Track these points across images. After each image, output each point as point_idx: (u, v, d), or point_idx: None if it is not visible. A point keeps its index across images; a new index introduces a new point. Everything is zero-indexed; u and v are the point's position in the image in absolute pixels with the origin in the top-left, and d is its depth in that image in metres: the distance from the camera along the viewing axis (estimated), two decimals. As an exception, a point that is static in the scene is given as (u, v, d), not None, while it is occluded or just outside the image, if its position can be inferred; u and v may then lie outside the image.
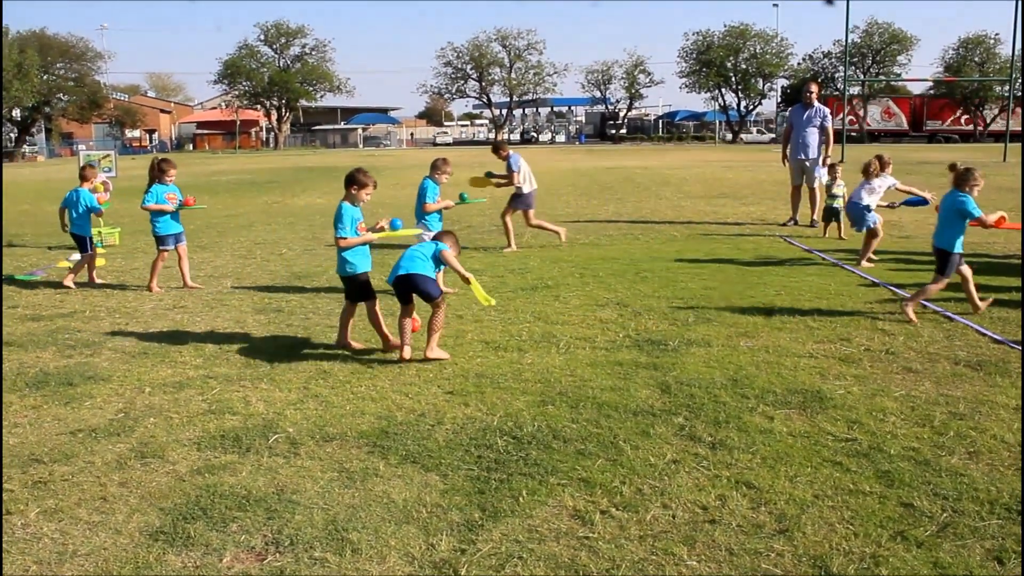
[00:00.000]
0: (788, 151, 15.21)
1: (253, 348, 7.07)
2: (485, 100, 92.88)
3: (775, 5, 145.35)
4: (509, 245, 12.27)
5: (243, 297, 9.13)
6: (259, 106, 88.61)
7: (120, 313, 8.52)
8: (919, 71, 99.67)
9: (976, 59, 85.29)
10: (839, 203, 12.61)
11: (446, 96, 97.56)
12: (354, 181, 7.11)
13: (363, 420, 5.34)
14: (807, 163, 14.79)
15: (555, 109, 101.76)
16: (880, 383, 5.95)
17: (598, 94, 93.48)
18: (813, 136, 14.79)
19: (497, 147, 12.55)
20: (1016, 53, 44.58)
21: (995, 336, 7.14)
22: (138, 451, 4.91)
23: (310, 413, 5.48)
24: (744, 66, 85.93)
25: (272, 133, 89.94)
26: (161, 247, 9.73)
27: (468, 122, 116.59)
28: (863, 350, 6.78)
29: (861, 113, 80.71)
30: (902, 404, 5.52)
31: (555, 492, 4.28)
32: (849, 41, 50.19)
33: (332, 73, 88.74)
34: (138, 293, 9.52)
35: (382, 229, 7.32)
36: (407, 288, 6.68)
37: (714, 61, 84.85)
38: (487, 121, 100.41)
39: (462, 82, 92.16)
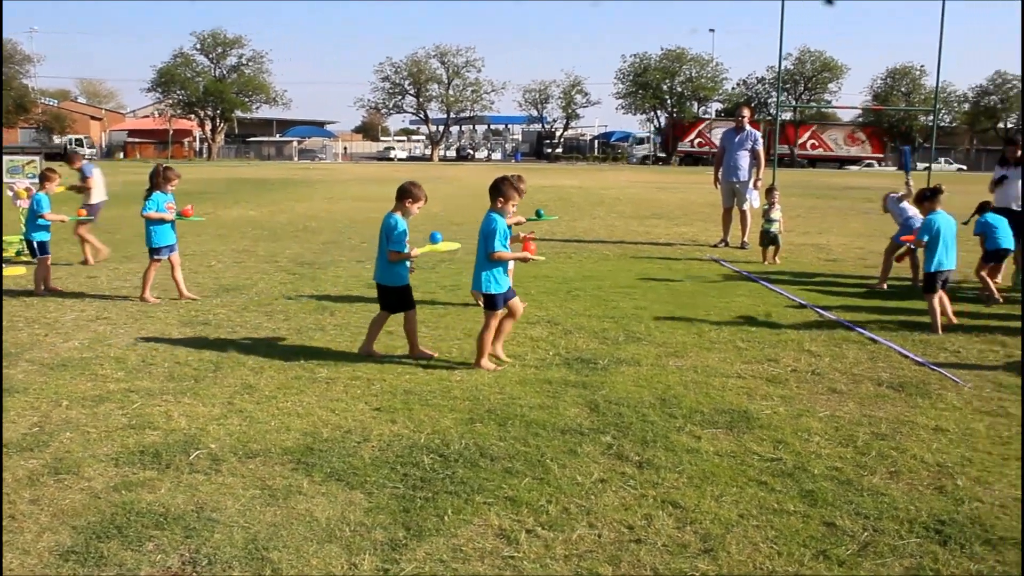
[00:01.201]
0: (720, 173, 15.40)
1: (177, 361, 6.92)
2: (422, 116, 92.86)
3: (711, 31, 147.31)
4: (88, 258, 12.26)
5: (169, 309, 8.95)
6: (193, 116, 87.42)
7: (40, 323, 8.29)
8: (849, 99, 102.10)
9: (903, 89, 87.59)
10: (776, 227, 12.76)
11: (383, 111, 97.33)
12: (408, 194, 7.11)
13: (288, 436, 5.25)
14: (738, 185, 14.99)
15: (492, 127, 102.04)
16: (806, 403, 6.03)
17: (535, 113, 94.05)
18: (744, 159, 14.99)
19: (70, 158, 13.19)
20: (939, 84, 45.83)
21: (916, 358, 7.29)
22: (52, 467, 4.75)
23: (233, 429, 5.37)
24: (680, 89, 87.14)
25: (206, 143, 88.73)
26: (155, 257, 9.48)
27: (405, 137, 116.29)
28: (790, 371, 6.86)
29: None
30: (826, 424, 5.59)
31: (481, 511, 4.24)
32: (782, 68, 51.14)
33: (269, 85, 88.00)
34: (59, 303, 9.26)
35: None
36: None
37: (650, 83, 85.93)
38: (424, 137, 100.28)
39: (399, 97, 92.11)
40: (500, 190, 6.84)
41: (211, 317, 8.58)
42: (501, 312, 6.82)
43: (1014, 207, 11.12)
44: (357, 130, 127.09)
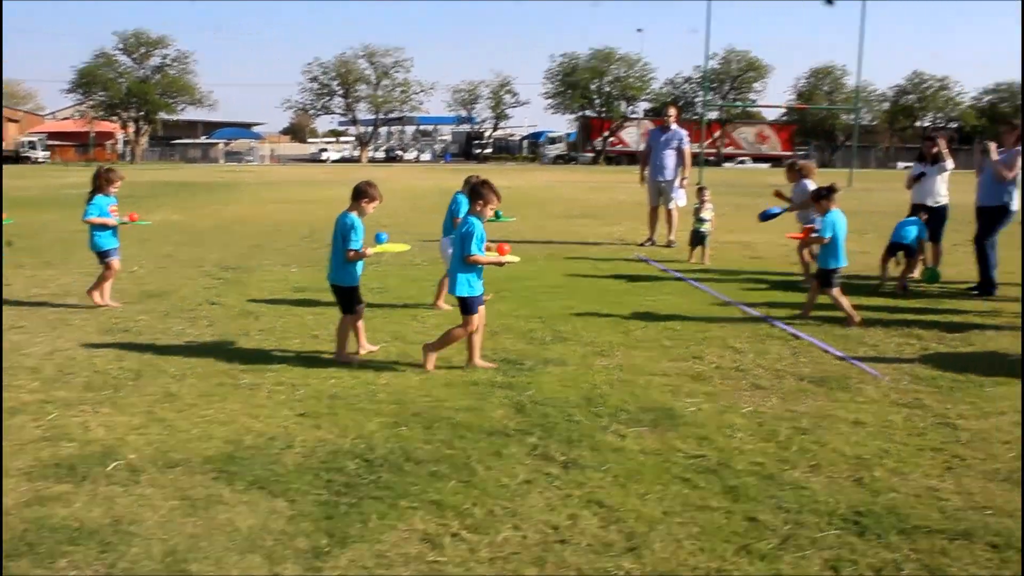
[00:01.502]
0: (646, 172, 15.53)
1: (96, 370, 6.75)
2: (351, 117, 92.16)
3: (639, 31, 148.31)
4: None
5: (88, 317, 8.73)
6: (116, 117, 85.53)
7: (-48, 334, 8.03)
8: (774, 98, 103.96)
9: (825, 88, 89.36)
10: (707, 227, 12.87)
11: (311, 112, 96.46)
12: (364, 194, 7.11)
13: (210, 445, 5.16)
14: (664, 184, 15.14)
15: (421, 127, 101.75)
16: (729, 400, 6.10)
17: (464, 113, 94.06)
18: (671, 158, 15.14)
19: None
20: (860, 84, 46.81)
21: (837, 353, 7.43)
22: (-38, 483, 4.61)
23: (154, 438, 5.26)
24: (608, 89, 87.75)
25: (129, 146, 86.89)
26: (107, 260, 9.24)
27: (334, 139, 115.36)
28: (714, 368, 6.94)
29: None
30: (750, 420, 5.67)
31: (406, 516, 4.21)
32: (708, 67, 51.85)
33: (194, 86, 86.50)
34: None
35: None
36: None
37: (579, 83, 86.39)
38: (353, 138, 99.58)
39: (327, 98, 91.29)
40: (480, 193, 6.84)
41: (132, 324, 8.40)
42: (478, 316, 6.79)
43: (930, 203, 11.40)
44: (285, 132, 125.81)
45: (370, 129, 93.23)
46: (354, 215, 7.10)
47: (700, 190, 13.29)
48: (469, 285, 6.72)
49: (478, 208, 6.81)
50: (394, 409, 5.81)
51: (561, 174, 53.60)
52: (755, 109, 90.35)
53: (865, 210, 24.22)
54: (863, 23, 56.25)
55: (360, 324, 7.24)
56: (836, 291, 8.65)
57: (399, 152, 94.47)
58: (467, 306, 6.74)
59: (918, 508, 4.35)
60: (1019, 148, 10.56)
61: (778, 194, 11.62)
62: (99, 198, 9.23)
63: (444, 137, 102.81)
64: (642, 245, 15.14)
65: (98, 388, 6.28)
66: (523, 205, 24.36)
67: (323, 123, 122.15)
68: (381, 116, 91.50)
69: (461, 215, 8.80)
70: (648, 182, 15.48)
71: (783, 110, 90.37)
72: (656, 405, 5.93)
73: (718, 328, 8.37)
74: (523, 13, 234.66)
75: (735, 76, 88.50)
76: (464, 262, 6.69)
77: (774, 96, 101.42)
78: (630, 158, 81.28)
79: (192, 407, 5.85)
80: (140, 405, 5.88)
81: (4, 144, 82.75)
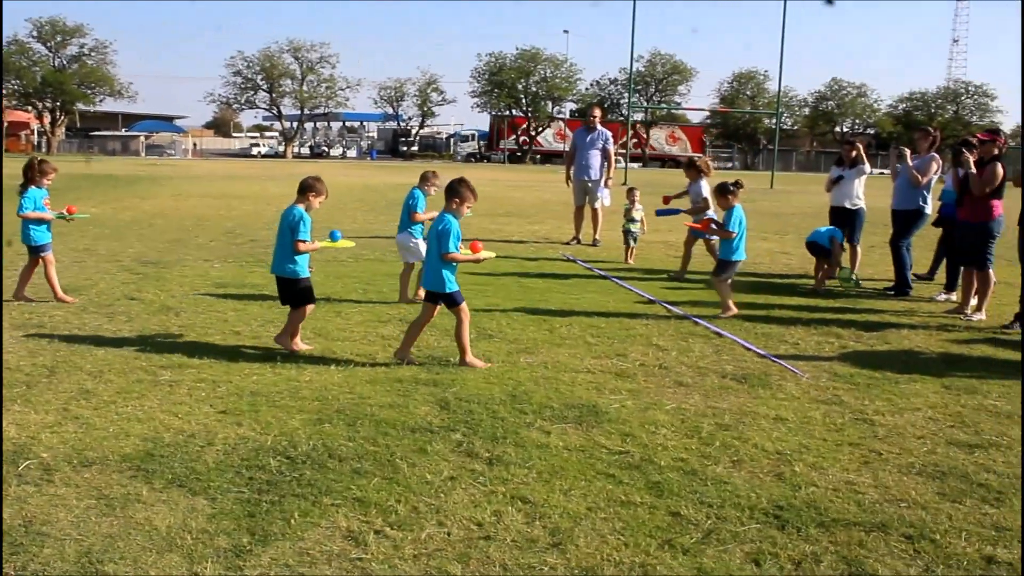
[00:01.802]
0: (572, 172, 15.60)
1: (8, 367, 6.51)
2: (275, 112, 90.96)
3: (565, 32, 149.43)
4: None
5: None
6: (30, 107, 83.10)
7: None
8: (698, 101, 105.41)
9: (748, 93, 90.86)
10: (636, 227, 12.96)
11: (235, 106, 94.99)
12: (311, 188, 7.13)
13: (127, 443, 5.03)
14: (590, 184, 15.22)
15: (347, 124, 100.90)
16: (653, 397, 6.16)
17: (391, 110, 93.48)
18: (596, 158, 15.23)
19: None
20: (781, 89, 47.81)
21: (758, 350, 7.55)
22: None
23: (68, 436, 5.11)
24: (534, 89, 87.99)
25: (45, 137, 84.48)
26: (42, 254, 8.96)
27: (258, 134, 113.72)
28: (638, 365, 7.00)
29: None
30: (673, 417, 5.72)
31: (328, 513, 4.16)
32: (634, 69, 52.31)
33: (113, 77, 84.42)
34: None
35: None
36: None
37: (505, 83, 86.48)
38: (277, 133, 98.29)
39: (252, 93, 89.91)
40: (457, 191, 6.85)
41: (47, 320, 8.16)
42: (465, 304, 6.90)
43: (847, 205, 11.65)
44: (208, 126, 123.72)
45: (295, 124, 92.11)
46: (301, 208, 7.11)
47: (630, 190, 13.38)
48: (452, 280, 6.81)
49: (454, 205, 6.84)
50: (317, 406, 5.74)
51: (484, 172, 53.53)
52: (679, 112, 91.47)
53: (786, 212, 24.73)
54: (783, 31, 57.43)
55: (297, 321, 7.23)
56: (726, 282, 8.87)
57: (325, 148, 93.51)
58: (454, 299, 6.82)
59: (836, 501, 4.44)
60: (933, 154, 10.86)
61: (666, 200, 12.02)
62: (32, 191, 8.96)
63: (370, 134, 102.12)
64: (567, 244, 15.21)
65: (10, 385, 6.07)
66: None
67: (248, 117, 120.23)
68: (306, 112, 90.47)
69: (419, 210, 8.90)
70: (573, 182, 15.55)
71: (707, 113, 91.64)
72: (580, 402, 5.95)
73: (642, 326, 8.44)
74: (450, 11, 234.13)
75: (660, 79, 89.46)
76: (442, 259, 6.73)
77: (696, 100, 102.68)
78: (545, 157, 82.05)
79: (109, 404, 5.70)
80: (54, 403, 5.71)
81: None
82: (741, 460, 4.99)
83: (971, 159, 9.40)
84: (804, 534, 4.06)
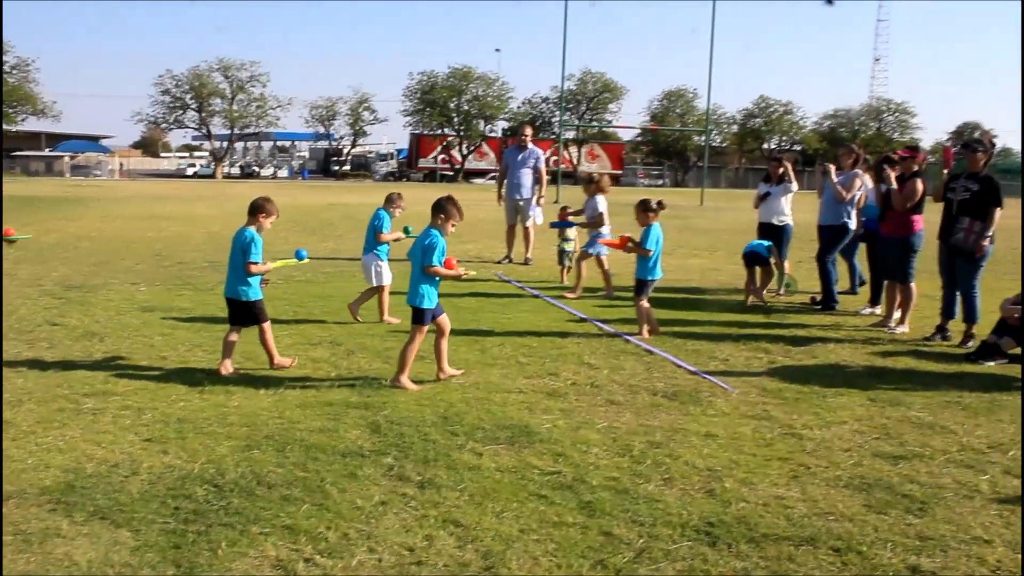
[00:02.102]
0: (504, 191, 15.63)
1: (-79, 398, 6.32)
2: (205, 131, 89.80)
3: (497, 50, 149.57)
4: None
5: (-86, 340, 8.20)
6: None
7: None
8: (628, 119, 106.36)
9: (678, 110, 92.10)
10: (570, 246, 12.96)
11: (163, 126, 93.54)
12: (262, 209, 7.19)
13: (47, 474, 4.88)
14: (522, 203, 15.26)
15: (278, 143, 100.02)
16: (585, 416, 6.17)
17: (322, 129, 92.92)
18: (527, 177, 15.27)
19: None
20: (710, 107, 48.58)
21: (689, 367, 7.62)
22: None
23: (-16, 469, 4.95)
24: (467, 107, 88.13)
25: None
26: None
27: (187, 153, 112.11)
28: (570, 384, 7.01)
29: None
30: (604, 435, 5.73)
31: (257, 542, 4.08)
32: (565, 88, 52.74)
33: (36, 95, 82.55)
34: None
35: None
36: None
37: (438, 101, 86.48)
38: (207, 153, 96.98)
39: (181, 112, 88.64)
40: (443, 208, 6.92)
41: (-37, 348, 7.92)
42: (427, 328, 6.90)
43: (775, 222, 11.83)
44: (136, 145, 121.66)
45: (225, 144, 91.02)
46: (252, 229, 7.15)
47: (563, 209, 13.38)
48: (428, 297, 6.84)
49: (439, 222, 6.91)
50: (245, 432, 5.64)
51: (420, 191, 53.44)
52: (611, 130, 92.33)
53: (716, 228, 25.04)
54: (712, 48, 58.43)
55: (235, 339, 7.22)
56: (645, 302, 8.92)
57: (255, 168, 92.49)
58: (420, 317, 6.85)
59: (766, 516, 4.48)
60: (857, 171, 11.10)
61: (563, 211, 12.22)
62: None
63: (302, 153, 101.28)
64: (499, 263, 15.22)
65: (-77, 416, 5.88)
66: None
67: (176, 137, 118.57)
68: (237, 131, 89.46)
69: (385, 230, 9.07)
70: (505, 200, 15.58)
71: (637, 131, 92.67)
72: (512, 422, 5.94)
73: (574, 344, 8.46)
74: (382, 29, 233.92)
75: (591, 97, 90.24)
76: (424, 273, 6.80)
77: (627, 118, 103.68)
78: (467, 175, 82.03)
79: (28, 435, 5.53)
80: (-30, 434, 5.53)
81: None
82: (672, 478, 5.01)
83: (892, 175, 9.63)
84: (735, 550, 4.09)
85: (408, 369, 6.81)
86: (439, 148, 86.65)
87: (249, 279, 7.12)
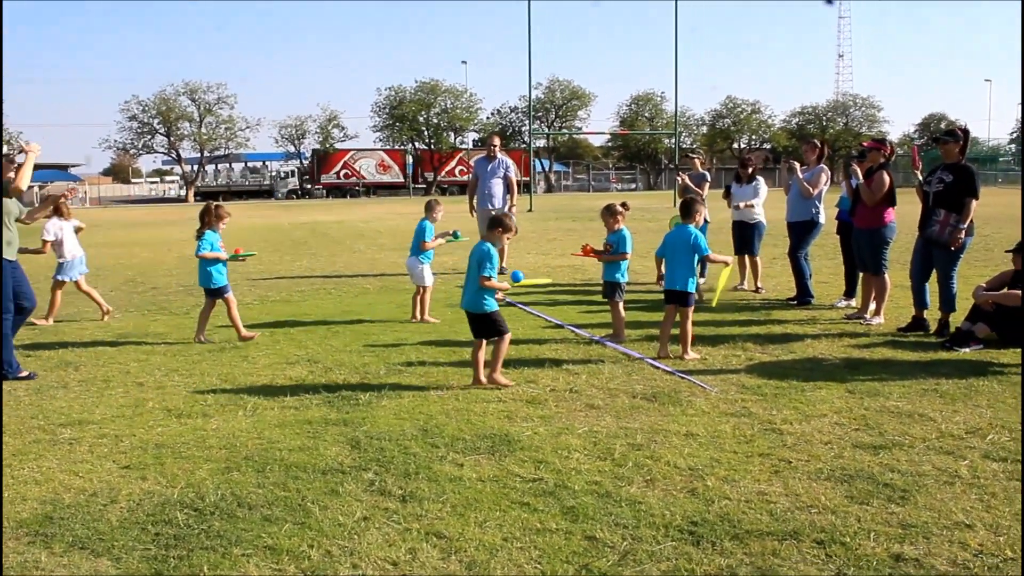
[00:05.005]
0: (475, 201, 15.62)
1: None
2: (174, 156, 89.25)
3: (464, 62, 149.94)
4: None
5: None
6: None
7: None
8: (598, 125, 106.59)
9: (647, 114, 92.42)
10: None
11: (132, 152, 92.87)
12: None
13: (24, 507, 4.82)
14: (494, 212, 15.23)
15: (249, 164, 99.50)
16: (564, 421, 6.16)
17: (292, 149, 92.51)
18: (498, 187, 15.26)
19: None
20: (678, 109, 48.80)
21: (667, 368, 7.63)
22: None
23: (-41, 504, 4.89)
24: (436, 120, 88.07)
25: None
26: (224, 295, 9.35)
27: (158, 179, 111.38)
28: (549, 390, 7.00)
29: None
30: (585, 440, 5.73)
31: (239, 563, 4.04)
32: (533, 97, 52.83)
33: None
34: None
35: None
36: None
37: (407, 115, 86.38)
38: (178, 177, 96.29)
39: (149, 137, 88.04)
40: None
41: (-65, 383, 7.82)
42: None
43: (746, 220, 11.90)
44: (106, 173, 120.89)
45: (196, 167, 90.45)
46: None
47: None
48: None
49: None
50: (224, 454, 5.60)
51: (391, 206, 53.38)
52: (580, 136, 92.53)
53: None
54: (677, 51, 58.74)
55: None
56: (620, 305, 8.99)
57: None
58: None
59: (749, 513, 4.49)
60: (822, 166, 11.17)
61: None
62: (209, 234, 9.26)
63: (274, 173, 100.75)
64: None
65: None
66: (353, 239, 24.18)
67: (147, 162, 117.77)
68: (207, 154, 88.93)
69: (427, 239, 10.11)
70: (477, 211, 15.56)
71: (608, 136, 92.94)
72: (492, 431, 5.92)
73: (551, 351, 8.46)
74: (348, 45, 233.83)
75: (560, 105, 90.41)
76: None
77: (596, 124, 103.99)
78: (367, 190, 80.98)
79: (4, 468, 5.46)
80: (-56, 469, 5.46)
81: None
82: (654, 479, 5.01)
83: (859, 171, 9.69)
84: (719, 548, 4.09)
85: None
86: (340, 164, 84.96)
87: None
